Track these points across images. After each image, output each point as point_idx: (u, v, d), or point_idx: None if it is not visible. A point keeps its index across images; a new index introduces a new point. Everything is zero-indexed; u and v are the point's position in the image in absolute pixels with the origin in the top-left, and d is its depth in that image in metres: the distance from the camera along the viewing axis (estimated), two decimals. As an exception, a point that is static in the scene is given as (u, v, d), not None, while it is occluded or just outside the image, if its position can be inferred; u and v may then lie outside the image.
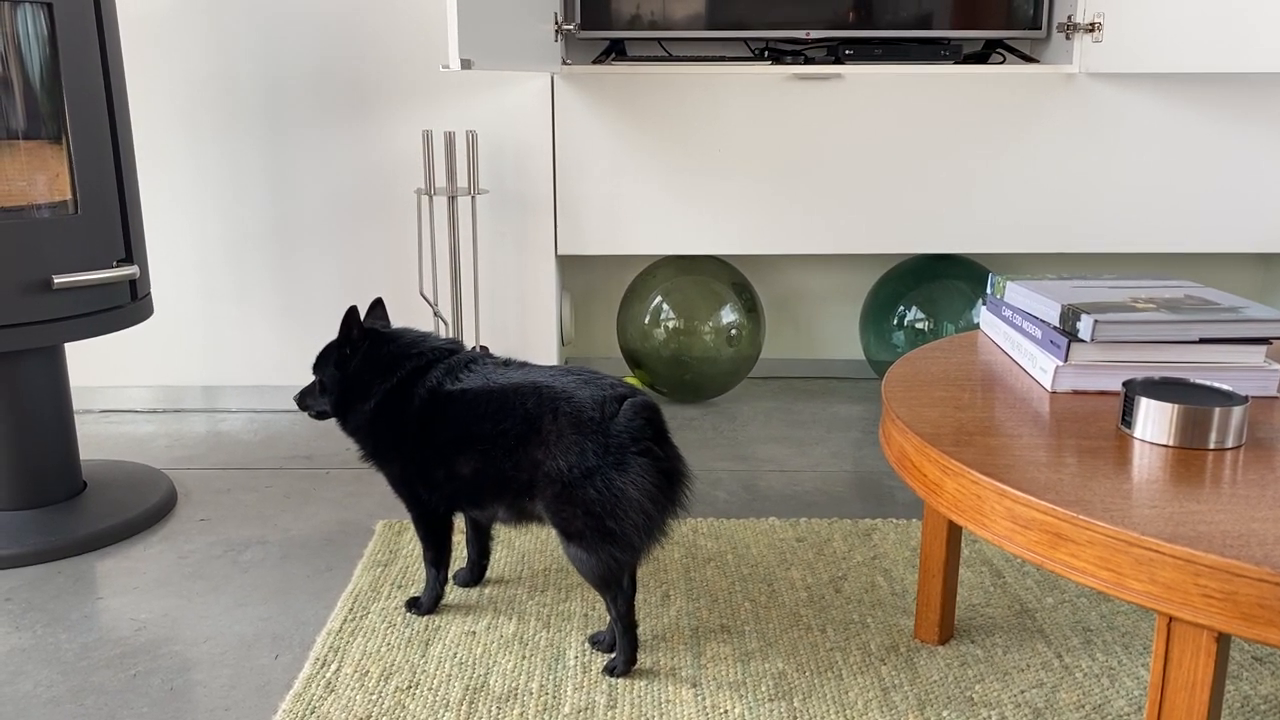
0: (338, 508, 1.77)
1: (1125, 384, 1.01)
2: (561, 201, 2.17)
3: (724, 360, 2.26)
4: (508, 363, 1.33)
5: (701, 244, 2.19)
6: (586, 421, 1.18)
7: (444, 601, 1.43)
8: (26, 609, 1.42)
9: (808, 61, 2.20)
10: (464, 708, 1.19)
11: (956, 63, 2.16)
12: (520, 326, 2.24)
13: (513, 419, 1.22)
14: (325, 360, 1.37)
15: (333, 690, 1.22)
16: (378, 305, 1.44)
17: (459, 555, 1.50)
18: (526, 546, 1.59)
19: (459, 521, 1.42)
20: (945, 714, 1.18)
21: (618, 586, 1.22)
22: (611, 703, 1.19)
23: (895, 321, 2.29)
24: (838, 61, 2.15)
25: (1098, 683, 1.24)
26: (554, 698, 1.21)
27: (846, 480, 1.89)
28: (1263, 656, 1.29)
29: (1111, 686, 1.23)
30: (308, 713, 1.18)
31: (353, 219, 2.18)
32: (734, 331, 2.24)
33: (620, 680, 1.24)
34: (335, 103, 2.12)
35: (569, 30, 2.10)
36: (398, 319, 2.21)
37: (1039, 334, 1.18)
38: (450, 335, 1.61)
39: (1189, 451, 0.94)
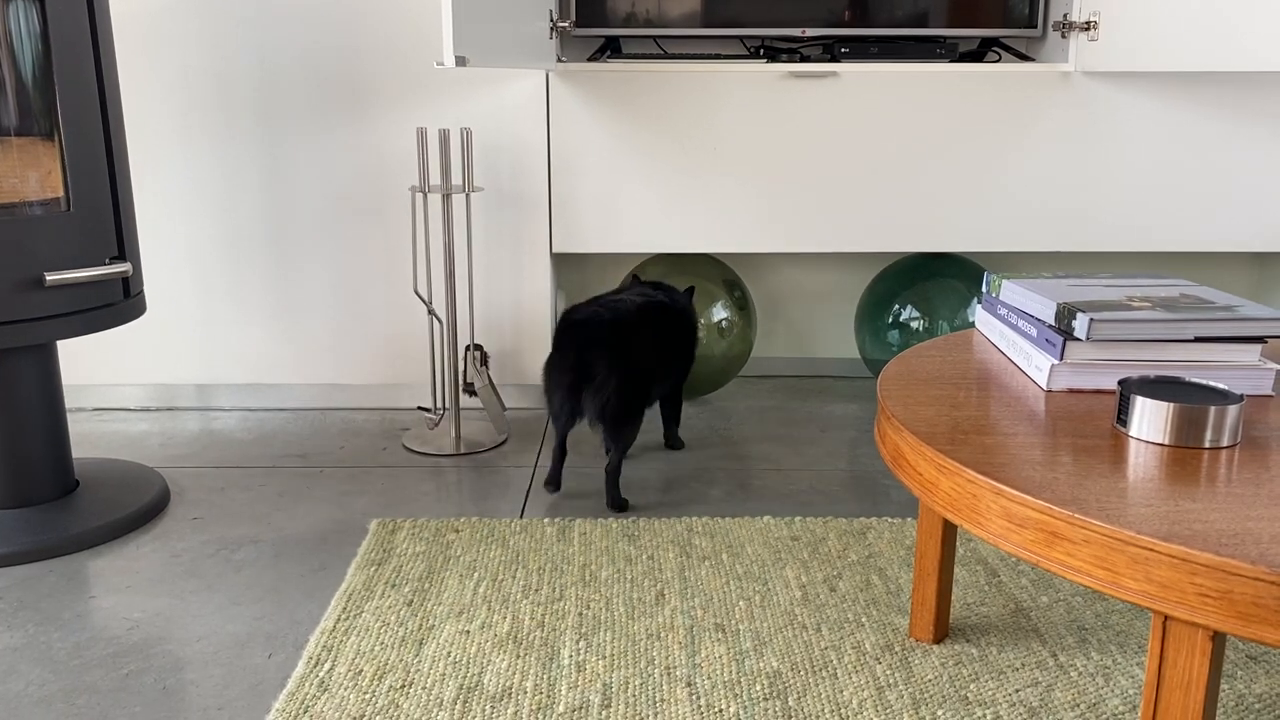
0: (331, 506, 1.76)
1: (1121, 382, 1.01)
2: (556, 199, 2.16)
3: (716, 358, 2.26)
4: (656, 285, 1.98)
5: (696, 242, 2.19)
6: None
7: (437, 602, 1.42)
8: (18, 608, 1.42)
9: (803, 59, 2.19)
10: (458, 707, 1.18)
11: (952, 61, 2.16)
12: (515, 324, 2.23)
13: None
14: None
15: (326, 689, 1.22)
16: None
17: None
18: (521, 546, 1.59)
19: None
20: (940, 713, 1.17)
21: (556, 427, 1.77)
22: (606, 701, 1.19)
23: (890, 320, 2.29)
24: (833, 60, 2.15)
25: (1093, 681, 1.24)
26: (548, 697, 1.20)
27: (841, 479, 1.89)
28: (1257, 655, 1.29)
29: (1106, 685, 1.23)
30: (301, 712, 1.17)
31: (346, 216, 2.18)
32: (724, 324, 2.24)
33: (615, 679, 1.24)
34: (329, 100, 2.12)
35: (564, 28, 2.10)
36: (392, 317, 2.22)
37: (1034, 332, 1.18)
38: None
39: (1184, 450, 0.94)
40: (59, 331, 1.57)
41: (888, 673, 1.25)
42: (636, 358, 1.73)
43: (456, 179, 2.11)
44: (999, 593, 1.45)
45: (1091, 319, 1.09)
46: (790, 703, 1.19)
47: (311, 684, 1.23)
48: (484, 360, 2.08)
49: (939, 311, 2.24)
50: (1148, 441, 0.97)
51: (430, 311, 2.08)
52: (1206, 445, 0.95)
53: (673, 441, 2.05)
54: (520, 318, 2.23)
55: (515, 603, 1.42)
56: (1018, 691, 1.22)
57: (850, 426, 2.18)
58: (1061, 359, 1.12)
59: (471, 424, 2.16)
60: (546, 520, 1.68)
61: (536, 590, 1.46)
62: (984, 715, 1.17)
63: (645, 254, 2.42)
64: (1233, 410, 0.95)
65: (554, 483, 1.81)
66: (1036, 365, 1.16)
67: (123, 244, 1.65)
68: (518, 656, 1.29)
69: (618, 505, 1.74)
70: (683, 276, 2.25)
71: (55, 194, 1.56)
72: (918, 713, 1.17)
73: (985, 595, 1.45)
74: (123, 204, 1.65)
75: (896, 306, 2.29)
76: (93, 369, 2.25)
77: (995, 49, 2.30)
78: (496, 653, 1.30)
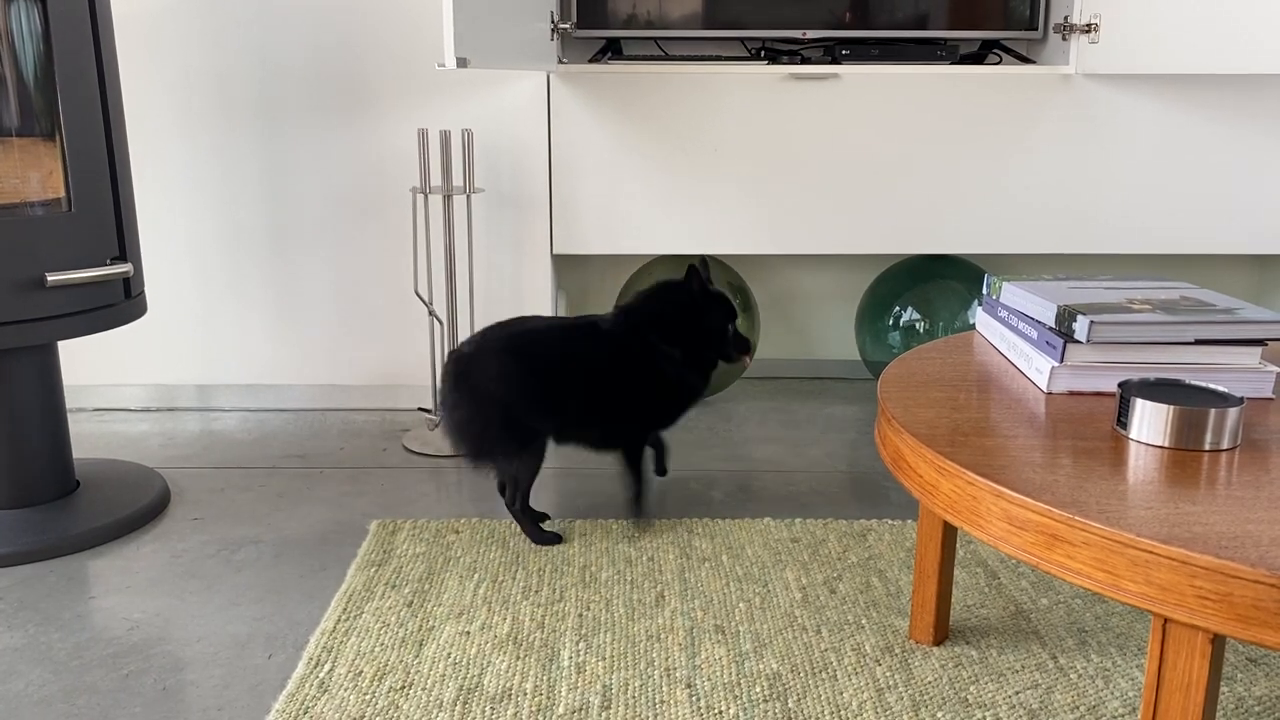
0: (332, 507, 1.76)
1: (1121, 385, 1.01)
2: (557, 201, 2.16)
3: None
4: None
5: (697, 244, 2.19)
6: None
7: (437, 603, 1.42)
8: (19, 608, 1.42)
9: (804, 61, 2.19)
10: (458, 708, 1.18)
11: (953, 63, 2.16)
12: (515, 326, 2.23)
13: None
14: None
15: (326, 690, 1.22)
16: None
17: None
18: (521, 547, 1.59)
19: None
20: (940, 715, 1.17)
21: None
22: (606, 703, 1.19)
23: (891, 322, 2.29)
24: (834, 61, 2.15)
25: (1092, 684, 1.24)
26: (548, 698, 1.20)
27: (842, 481, 1.89)
28: (1257, 658, 1.29)
29: (1106, 687, 1.23)
30: (301, 713, 1.17)
31: (347, 217, 2.18)
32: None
33: (615, 681, 1.24)
34: (330, 101, 2.12)
35: (565, 29, 2.10)
36: (392, 318, 2.22)
37: (1035, 335, 1.18)
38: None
39: (1184, 453, 0.94)
40: (60, 332, 1.57)
41: (888, 675, 1.25)
42: (496, 392, 1.52)
43: (457, 180, 2.11)
44: (999, 595, 1.45)
45: (1092, 321, 1.09)
46: (790, 704, 1.19)
47: (311, 685, 1.23)
48: (484, 361, 2.08)
49: (939, 313, 2.24)
50: (1148, 444, 0.97)
51: (431, 312, 2.08)
52: (1206, 448, 0.95)
53: (636, 501, 1.70)
54: (521, 319, 2.23)
55: (515, 604, 1.42)
56: (1017, 694, 1.22)
57: (850, 428, 2.18)
58: (1062, 361, 1.12)
59: (472, 425, 2.16)
60: (546, 522, 1.68)
61: (536, 591, 1.46)
62: (984, 717, 1.17)
63: (645, 255, 2.42)
64: (1233, 413, 0.95)
65: (540, 540, 1.61)
66: (1037, 367, 1.16)
67: (124, 244, 1.65)
68: (518, 658, 1.29)
69: (539, 539, 1.61)
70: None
71: (56, 194, 1.56)
72: (917, 715, 1.17)
73: (985, 597, 1.45)
74: (124, 204, 1.65)
75: (897, 308, 2.29)
76: (93, 369, 2.25)
77: (996, 51, 2.30)
78: (496, 654, 1.30)
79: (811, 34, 2.19)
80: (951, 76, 2.11)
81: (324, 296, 2.22)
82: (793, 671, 1.26)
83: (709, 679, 1.24)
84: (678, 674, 1.25)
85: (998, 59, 2.29)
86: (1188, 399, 0.98)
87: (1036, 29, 2.19)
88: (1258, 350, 1.11)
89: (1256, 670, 1.27)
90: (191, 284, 2.21)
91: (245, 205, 2.17)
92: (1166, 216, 2.18)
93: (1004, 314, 1.28)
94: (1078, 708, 1.19)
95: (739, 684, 1.23)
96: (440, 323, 2.15)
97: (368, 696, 1.21)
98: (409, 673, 1.25)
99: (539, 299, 2.22)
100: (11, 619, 1.39)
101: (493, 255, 2.20)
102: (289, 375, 2.26)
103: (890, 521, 1.69)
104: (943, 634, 1.33)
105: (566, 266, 2.50)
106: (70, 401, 2.29)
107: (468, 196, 2.02)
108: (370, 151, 2.14)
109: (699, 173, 2.15)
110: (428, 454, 2.01)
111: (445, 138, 1.96)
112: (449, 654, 1.30)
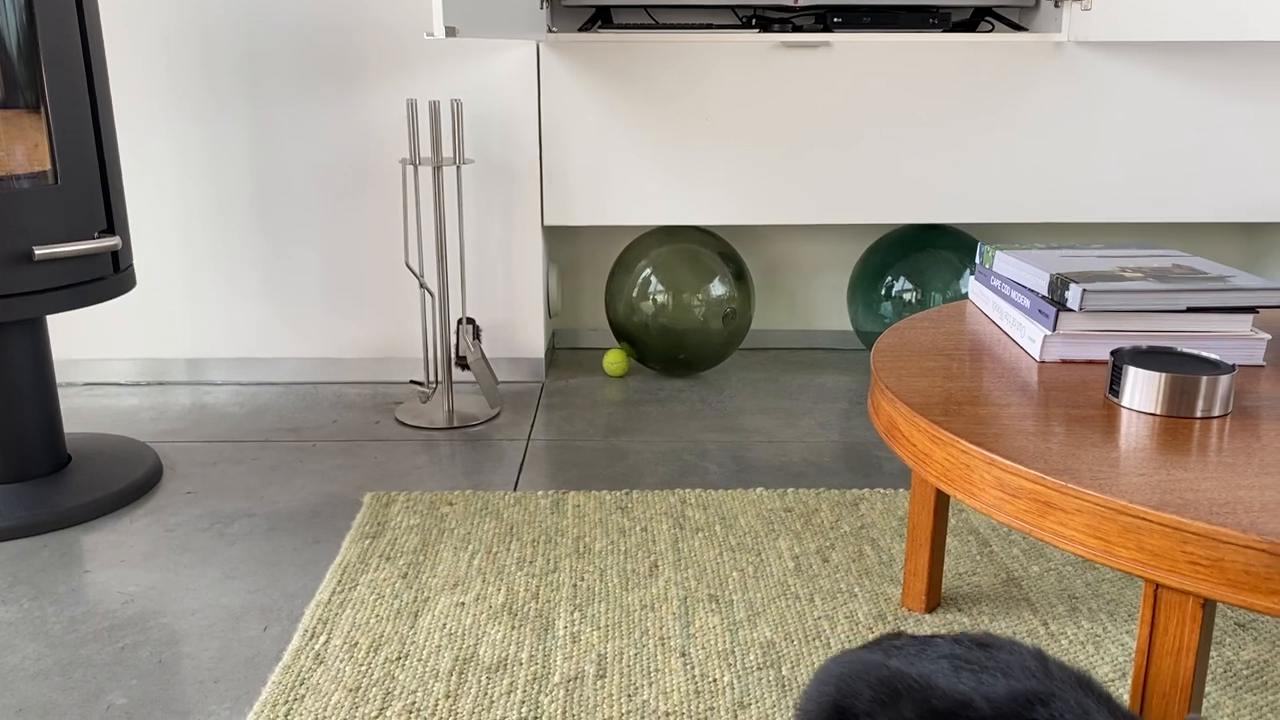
0: (325, 480, 1.76)
1: (1113, 353, 1.01)
2: (547, 171, 2.15)
3: (716, 338, 2.25)
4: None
5: (688, 215, 2.18)
6: None
7: (432, 574, 1.43)
8: (13, 583, 1.42)
9: (795, 29, 2.18)
10: (453, 678, 1.19)
11: (945, 31, 2.14)
12: (507, 298, 2.23)
13: None
14: None
15: (322, 661, 1.22)
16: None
17: None
18: (515, 518, 1.60)
19: None
20: (932, 681, 1.18)
21: None
22: (601, 672, 1.20)
23: (883, 292, 2.29)
24: (826, 29, 2.14)
25: (1083, 649, 1.25)
26: (543, 667, 1.21)
27: (834, 451, 1.89)
28: (1245, 623, 1.31)
29: (1097, 653, 1.24)
30: (297, 684, 1.18)
31: (336, 189, 2.16)
32: (729, 311, 2.23)
33: (610, 650, 1.25)
34: (318, 71, 2.10)
35: (555, -3, 2.08)
36: (383, 290, 2.21)
37: (1027, 303, 1.18)
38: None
39: (1176, 420, 0.95)
40: (49, 306, 1.56)
41: (880, 642, 1.26)
42: None
43: (447, 151, 2.10)
44: (990, 562, 1.46)
45: (1084, 290, 1.09)
46: (784, 672, 1.20)
47: (307, 656, 1.23)
48: (476, 334, 2.07)
49: (931, 283, 2.24)
50: (1140, 411, 0.97)
51: (422, 285, 2.07)
52: (1198, 415, 0.95)
53: None
54: (512, 291, 2.22)
55: (510, 575, 1.43)
56: (1009, 659, 1.23)
57: (842, 398, 2.19)
58: (1054, 330, 1.12)
59: (464, 397, 2.16)
60: (540, 493, 1.69)
61: (531, 562, 1.46)
62: (975, 683, 1.18)
63: (637, 226, 2.41)
64: (1224, 380, 0.95)
65: None
66: (1029, 336, 1.16)
67: (111, 218, 1.63)
68: (513, 628, 1.29)
69: None
70: (679, 252, 2.24)
71: (43, 167, 1.55)
72: (910, 681, 1.18)
73: (977, 565, 1.46)
74: (111, 177, 1.63)
75: (889, 278, 2.29)
76: (83, 344, 2.24)
77: (988, 19, 2.28)
78: (491, 624, 1.30)
79: (803, 2, 2.17)
80: (943, 44, 2.10)
81: (314, 269, 2.21)
82: (786, 640, 1.27)
83: (703, 647, 1.25)
84: (672, 643, 1.26)
85: (990, 27, 2.28)
86: (1180, 366, 0.98)
87: (1029, -4, 2.18)
88: (1249, 317, 1.11)
89: (1245, 635, 1.28)
90: (180, 257, 2.20)
91: (232, 177, 2.15)
92: (1158, 185, 2.18)
93: (997, 283, 1.28)
94: (1068, 673, 1.20)
95: (733, 652, 1.24)
96: (431, 295, 2.15)
97: (363, 667, 1.21)
98: (404, 643, 1.26)
99: (530, 271, 2.21)
100: (5, 594, 1.39)
101: (483, 227, 2.19)
102: (280, 348, 2.25)
103: (882, 490, 1.70)
104: (935, 601, 1.34)
105: (557, 238, 2.49)
106: (60, 376, 2.28)
107: (457, 168, 2.00)
108: (359, 122, 2.12)
109: (690, 142, 2.14)
110: (420, 426, 2.01)
111: (434, 108, 1.94)
112: (444, 625, 1.30)
